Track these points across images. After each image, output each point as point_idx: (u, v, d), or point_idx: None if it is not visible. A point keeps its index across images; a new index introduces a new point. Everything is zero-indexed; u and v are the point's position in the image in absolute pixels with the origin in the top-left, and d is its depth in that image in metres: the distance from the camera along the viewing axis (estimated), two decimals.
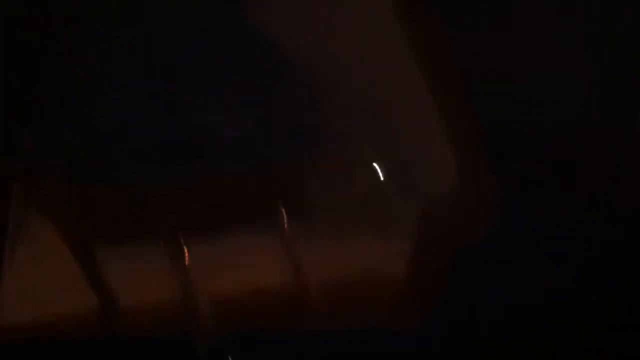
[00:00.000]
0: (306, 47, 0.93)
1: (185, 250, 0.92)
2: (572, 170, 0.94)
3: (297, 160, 0.94)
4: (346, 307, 0.94)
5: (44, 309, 0.92)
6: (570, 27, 0.96)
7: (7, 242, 0.92)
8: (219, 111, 0.93)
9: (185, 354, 0.92)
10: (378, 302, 0.94)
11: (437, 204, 0.93)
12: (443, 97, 0.95)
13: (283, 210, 0.92)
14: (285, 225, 0.92)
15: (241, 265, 0.92)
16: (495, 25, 0.96)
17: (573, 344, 0.92)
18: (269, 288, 0.93)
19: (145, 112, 0.92)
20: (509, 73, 0.95)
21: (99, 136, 0.92)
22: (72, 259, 0.92)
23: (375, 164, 0.94)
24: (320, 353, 0.92)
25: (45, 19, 0.92)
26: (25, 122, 0.92)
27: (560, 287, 0.93)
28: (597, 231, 0.93)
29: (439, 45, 0.96)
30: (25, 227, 0.93)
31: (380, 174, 0.94)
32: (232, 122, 0.93)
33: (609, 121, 0.95)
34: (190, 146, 0.92)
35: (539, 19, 0.96)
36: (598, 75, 0.95)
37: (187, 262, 0.92)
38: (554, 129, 0.95)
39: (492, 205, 0.94)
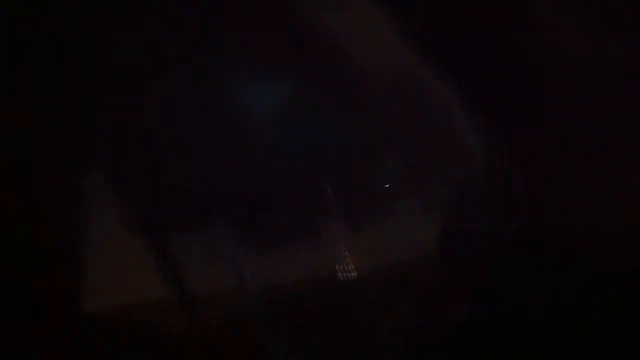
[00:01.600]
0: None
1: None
2: (573, 171, 0.95)
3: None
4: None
5: (121, 298, 0.91)
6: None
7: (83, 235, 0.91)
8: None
9: None
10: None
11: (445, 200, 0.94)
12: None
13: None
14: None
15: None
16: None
17: (573, 344, 0.92)
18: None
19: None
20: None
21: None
22: (144, 248, 0.91)
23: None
24: (321, 352, 0.93)
25: (48, 18, 0.92)
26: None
27: (560, 287, 0.93)
28: (597, 232, 0.94)
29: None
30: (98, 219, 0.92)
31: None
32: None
33: (611, 122, 0.95)
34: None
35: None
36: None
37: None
38: (557, 126, 0.95)
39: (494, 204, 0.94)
